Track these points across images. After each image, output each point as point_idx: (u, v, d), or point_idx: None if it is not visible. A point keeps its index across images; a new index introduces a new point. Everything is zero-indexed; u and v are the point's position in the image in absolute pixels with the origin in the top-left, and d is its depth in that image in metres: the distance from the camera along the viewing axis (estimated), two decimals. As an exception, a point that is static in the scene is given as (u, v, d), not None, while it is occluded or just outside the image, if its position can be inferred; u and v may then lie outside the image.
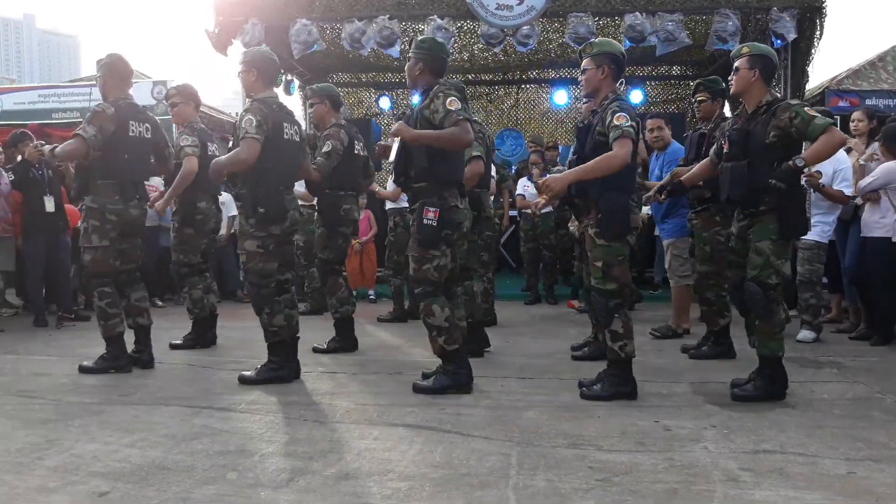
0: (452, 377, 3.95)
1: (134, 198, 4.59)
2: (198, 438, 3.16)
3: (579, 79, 4.04)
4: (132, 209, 4.57)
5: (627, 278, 3.90)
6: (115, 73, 4.60)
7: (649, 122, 5.75)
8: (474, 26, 8.82)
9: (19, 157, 6.64)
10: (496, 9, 7.86)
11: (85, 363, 4.56)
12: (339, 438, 3.17)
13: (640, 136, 3.96)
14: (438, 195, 3.88)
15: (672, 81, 11.87)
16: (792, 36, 7.46)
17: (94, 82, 4.96)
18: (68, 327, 6.41)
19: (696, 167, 4.46)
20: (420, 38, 4.14)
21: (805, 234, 3.81)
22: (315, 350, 5.16)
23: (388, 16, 7.88)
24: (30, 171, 6.52)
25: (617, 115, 3.68)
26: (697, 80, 5.25)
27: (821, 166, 4.94)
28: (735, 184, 3.84)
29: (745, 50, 3.90)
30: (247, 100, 4.27)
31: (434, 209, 3.84)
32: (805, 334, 5.40)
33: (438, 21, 7.84)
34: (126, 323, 4.64)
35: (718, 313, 4.92)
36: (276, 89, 4.45)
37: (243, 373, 4.26)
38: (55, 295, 6.93)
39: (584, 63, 3.93)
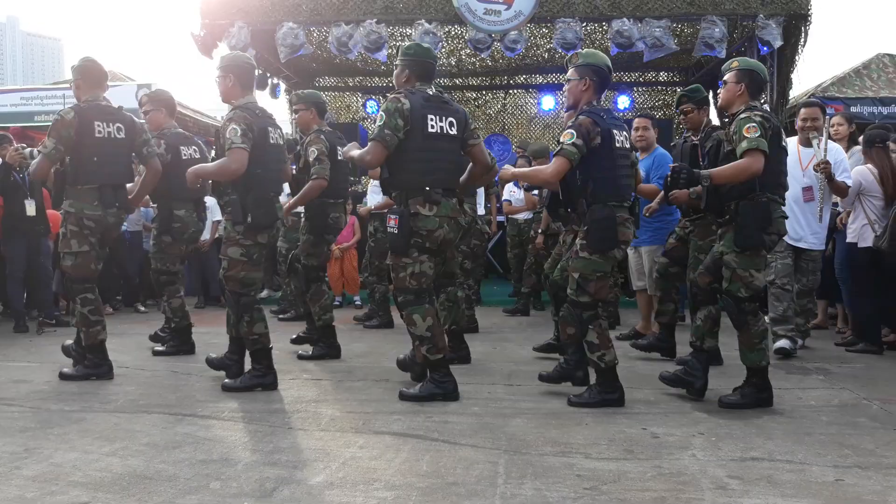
0: (439, 385, 3.92)
1: (113, 205, 4.49)
2: (180, 447, 3.11)
3: (563, 89, 4.06)
4: (110, 216, 4.49)
5: (603, 294, 3.87)
6: (87, 76, 4.53)
7: (636, 122, 5.79)
8: (462, 31, 8.82)
9: (0, 161, 6.55)
10: (484, 14, 7.86)
11: (65, 370, 4.50)
12: (324, 447, 3.13)
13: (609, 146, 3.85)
14: (403, 203, 3.89)
15: (659, 87, 11.93)
16: (778, 43, 7.52)
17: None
18: (49, 333, 6.32)
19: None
20: (406, 44, 4.11)
21: (757, 246, 3.75)
22: (300, 357, 5.12)
23: (375, 20, 7.87)
24: (10, 175, 6.42)
25: (566, 130, 3.75)
26: (680, 93, 5.25)
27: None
28: (705, 194, 3.88)
29: (734, 64, 3.92)
30: (228, 107, 4.21)
31: (394, 216, 3.86)
32: (784, 343, 5.16)
33: (426, 26, 7.83)
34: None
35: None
36: (260, 92, 4.41)
37: (226, 381, 4.22)
38: (36, 300, 6.84)
39: (569, 73, 3.93)
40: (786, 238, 4.75)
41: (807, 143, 5.13)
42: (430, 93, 3.94)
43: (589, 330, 3.79)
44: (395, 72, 4.05)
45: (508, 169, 4.13)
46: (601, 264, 3.78)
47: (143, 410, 3.73)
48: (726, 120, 4.07)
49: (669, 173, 3.95)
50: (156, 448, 3.09)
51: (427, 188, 3.86)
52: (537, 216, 7.51)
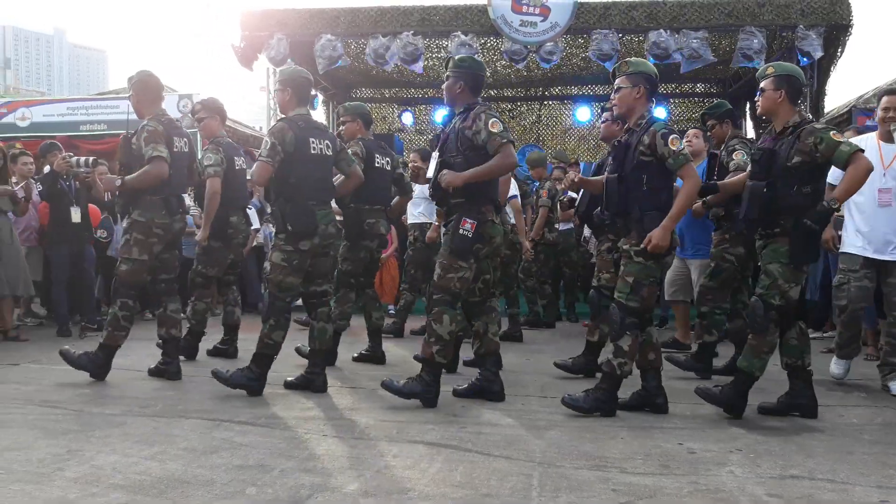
0: (425, 387, 3.98)
1: (178, 212, 4.71)
2: (217, 452, 3.15)
3: (612, 97, 4.06)
4: (176, 223, 4.70)
5: (652, 301, 3.90)
6: (146, 90, 4.70)
7: (689, 133, 5.81)
8: (498, 42, 8.85)
9: (47, 168, 6.73)
10: (520, 25, 7.89)
11: (66, 347, 4.71)
12: (358, 455, 3.15)
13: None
14: (477, 210, 3.97)
15: (696, 99, 11.82)
16: (819, 54, 7.43)
17: (121, 95, 5.05)
18: (91, 337, 6.44)
19: (737, 178, 4.38)
20: (458, 56, 4.23)
21: (814, 261, 3.78)
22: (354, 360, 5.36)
23: (412, 32, 7.95)
24: (57, 182, 6.60)
25: (671, 138, 3.73)
26: (703, 112, 5.38)
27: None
28: (751, 204, 3.83)
29: (769, 70, 3.87)
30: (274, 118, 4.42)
31: (472, 221, 3.94)
32: (839, 366, 4.88)
33: (462, 37, 7.89)
34: (158, 333, 4.76)
35: (707, 328, 4.94)
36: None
37: (218, 368, 4.35)
38: (79, 305, 7.00)
39: (619, 81, 3.94)
40: (857, 250, 4.56)
41: (888, 137, 4.60)
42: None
43: (625, 335, 3.78)
44: (446, 83, 4.14)
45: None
46: (655, 269, 3.81)
47: (181, 415, 3.79)
48: (769, 128, 3.98)
49: (750, 198, 3.85)
50: (193, 452, 3.14)
51: (497, 199, 4.14)
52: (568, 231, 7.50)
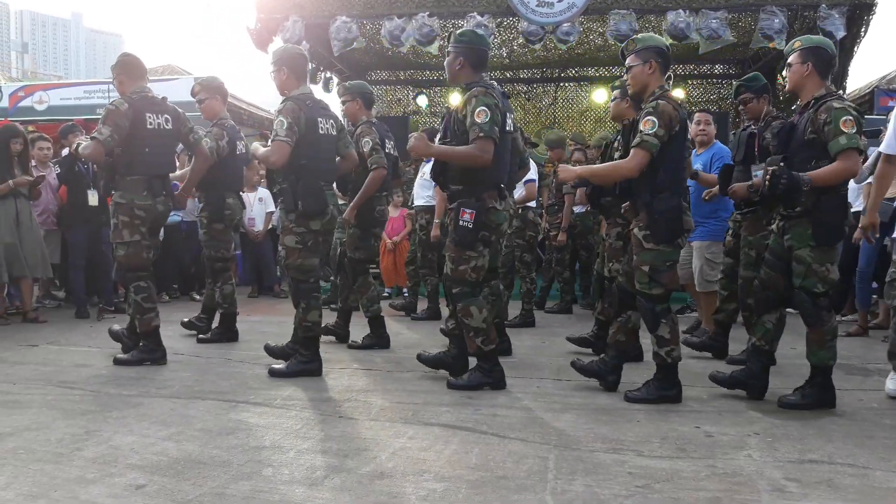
0: (487, 374, 3.96)
1: (161, 193, 4.60)
2: (234, 433, 3.16)
3: (625, 77, 3.92)
4: (159, 205, 4.59)
5: (675, 283, 3.84)
6: (127, 71, 4.61)
7: (698, 116, 5.64)
8: (514, 23, 8.76)
9: (65, 151, 6.76)
10: (537, 6, 7.79)
11: (120, 355, 4.64)
12: (373, 437, 3.15)
13: (683, 134, 3.80)
14: (476, 196, 3.85)
15: (714, 80, 11.65)
16: (841, 34, 7.26)
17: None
18: (109, 319, 6.50)
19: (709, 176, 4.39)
20: (459, 31, 4.06)
21: (840, 240, 3.62)
22: (350, 346, 5.21)
23: (427, 13, 7.86)
24: (75, 165, 6.63)
25: (644, 118, 3.61)
26: (737, 84, 5.04)
27: None
28: (790, 181, 3.56)
29: (797, 44, 3.72)
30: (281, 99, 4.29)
31: (470, 211, 3.82)
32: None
33: (478, 18, 7.80)
34: (127, 327, 4.73)
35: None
36: (313, 86, 4.47)
37: (273, 366, 4.34)
38: (96, 287, 7.06)
39: (629, 60, 3.81)
40: None
41: None
42: (498, 88, 3.99)
43: (661, 324, 3.71)
44: (447, 59, 3.99)
45: (571, 169, 4.00)
46: (670, 253, 3.72)
47: (197, 396, 3.81)
48: (797, 104, 3.81)
49: (765, 176, 3.63)
50: (210, 434, 3.15)
51: (501, 184, 3.95)
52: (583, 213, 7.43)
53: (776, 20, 7.51)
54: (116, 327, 5.07)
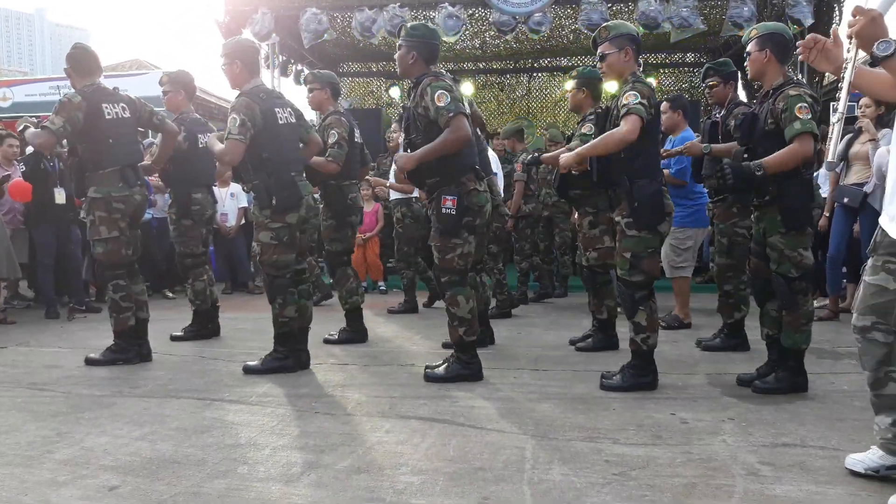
0: (466, 366, 3.95)
1: (136, 183, 4.50)
2: (208, 431, 3.13)
3: (598, 66, 3.92)
4: (136, 195, 4.49)
5: (656, 271, 3.82)
6: (77, 64, 4.46)
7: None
8: (486, 13, 8.74)
9: (29, 149, 6.62)
10: (508, -5, 7.77)
11: (91, 355, 4.54)
12: (350, 431, 3.14)
13: (656, 121, 3.83)
14: (455, 182, 3.82)
15: (686, 69, 11.74)
16: (809, 21, 7.34)
17: (105, 73, 4.88)
18: (79, 319, 6.41)
19: (728, 145, 4.26)
20: (411, 24, 4.00)
21: (808, 223, 3.63)
22: (326, 341, 5.14)
23: (398, 4, 7.83)
24: (41, 163, 6.50)
25: (626, 93, 3.60)
26: (706, 65, 5.01)
27: None
28: (735, 174, 3.63)
29: (753, 32, 3.72)
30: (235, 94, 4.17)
31: (451, 197, 3.79)
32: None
33: (450, 9, 7.78)
34: None
35: (735, 306, 4.74)
36: (285, 79, 4.41)
37: (248, 363, 4.29)
38: (66, 287, 6.93)
39: (603, 48, 3.81)
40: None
41: None
42: (447, 74, 3.97)
43: (639, 311, 3.72)
44: (398, 53, 3.94)
45: (569, 155, 3.92)
46: (651, 240, 3.72)
47: (171, 395, 3.77)
48: (759, 92, 3.83)
49: (718, 171, 3.69)
50: (184, 432, 3.12)
51: (476, 166, 3.94)
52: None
53: (745, 8, 7.59)
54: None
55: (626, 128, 3.56)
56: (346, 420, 3.31)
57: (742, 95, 6.36)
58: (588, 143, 3.88)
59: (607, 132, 3.72)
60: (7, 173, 6.33)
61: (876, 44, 2.16)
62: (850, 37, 2.26)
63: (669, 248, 5.53)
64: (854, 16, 2.22)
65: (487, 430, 3.12)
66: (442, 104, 3.67)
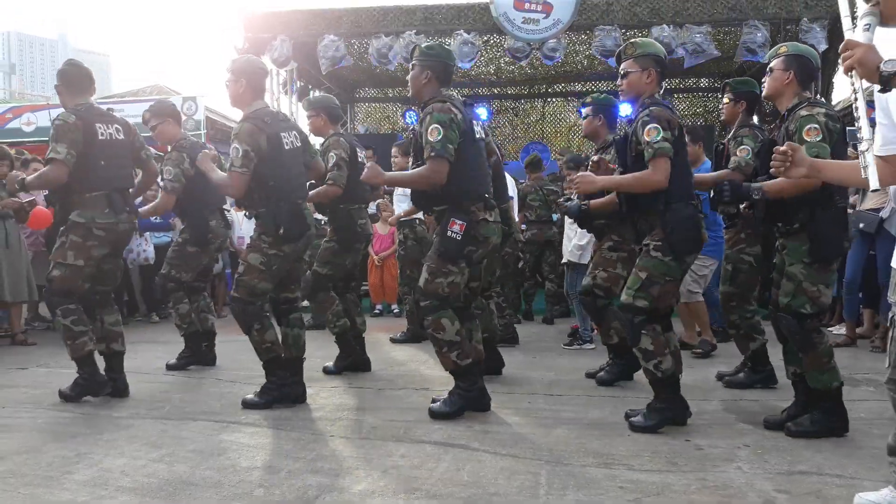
0: (466, 396, 3.74)
1: (123, 210, 4.20)
2: (225, 454, 3.16)
3: (619, 83, 3.71)
4: (122, 223, 4.20)
5: (664, 303, 3.57)
6: (67, 81, 4.21)
7: None
8: (501, 40, 8.84)
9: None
10: (522, 23, 7.88)
11: (63, 388, 4.18)
12: (365, 455, 3.15)
13: (683, 140, 3.63)
14: (465, 210, 3.69)
15: (700, 94, 11.78)
16: (823, 47, 7.37)
17: (125, 98, 4.97)
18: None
19: (719, 173, 4.11)
20: (425, 44, 3.92)
21: (837, 258, 3.42)
22: (326, 372, 4.92)
23: (414, 31, 7.94)
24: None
25: (647, 128, 3.41)
26: (725, 81, 4.78)
27: None
28: (764, 204, 3.47)
29: (782, 49, 3.54)
30: (239, 119, 4.01)
31: (461, 222, 3.65)
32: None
33: (465, 36, 7.88)
34: (98, 348, 4.27)
35: (747, 336, 4.46)
36: (301, 104, 4.37)
37: (246, 397, 4.05)
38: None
39: (626, 65, 3.62)
40: None
41: None
42: (458, 98, 3.88)
43: (642, 336, 3.48)
44: (411, 73, 3.85)
45: (594, 179, 3.71)
46: (673, 268, 3.48)
47: (188, 417, 3.80)
48: (770, 112, 3.78)
49: (716, 189, 3.60)
50: (201, 455, 3.15)
51: (487, 195, 3.80)
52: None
53: (759, 34, 7.64)
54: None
55: (658, 177, 3.39)
56: (361, 444, 3.33)
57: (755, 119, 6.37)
58: (615, 178, 3.70)
59: (638, 174, 3.49)
60: (32, 198, 6.43)
61: (882, 63, 2.08)
62: (848, 70, 2.18)
63: (689, 273, 5.37)
64: (846, 49, 2.15)
65: (502, 455, 3.12)
66: (432, 139, 3.57)
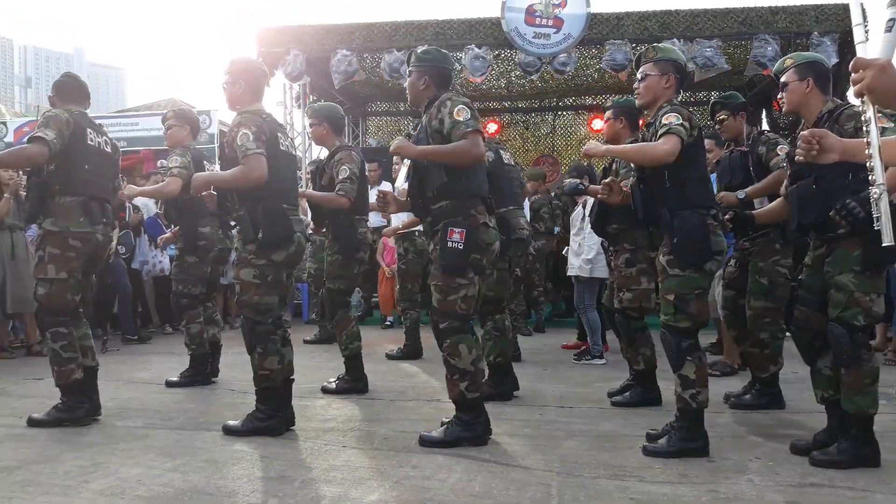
0: (468, 427, 3.45)
1: (101, 221, 3.98)
2: (239, 464, 3.19)
3: (635, 87, 3.58)
4: (98, 234, 3.97)
5: (705, 315, 3.40)
6: (64, 91, 4.09)
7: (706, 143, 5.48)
8: (512, 54, 8.92)
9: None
10: (533, 37, 7.95)
11: (35, 415, 3.93)
12: (377, 466, 3.18)
13: (701, 145, 3.47)
14: (464, 214, 3.40)
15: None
16: (833, 61, 7.41)
17: (140, 112, 5.04)
18: (112, 352, 6.54)
19: (774, 204, 3.71)
20: (422, 49, 3.74)
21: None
22: (324, 390, 4.75)
23: (427, 46, 8.00)
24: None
25: (666, 115, 3.27)
26: (713, 102, 4.73)
27: None
28: (805, 208, 3.18)
29: (788, 62, 3.36)
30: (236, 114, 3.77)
31: (460, 230, 3.34)
32: None
33: (476, 50, 7.96)
34: None
35: (771, 358, 4.23)
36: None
37: (228, 423, 3.74)
38: (100, 320, 7.08)
39: (645, 69, 3.50)
40: None
41: None
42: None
43: (687, 362, 3.26)
44: (409, 79, 3.68)
45: (598, 146, 3.56)
46: (698, 279, 3.29)
47: (202, 427, 3.84)
48: (804, 125, 3.36)
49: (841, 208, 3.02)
50: (215, 464, 3.18)
51: (486, 196, 3.55)
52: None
53: (769, 48, 7.68)
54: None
55: (667, 147, 3.18)
56: (373, 454, 3.36)
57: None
58: (622, 147, 3.54)
59: (645, 144, 3.35)
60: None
61: None
62: (859, 95, 1.89)
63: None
64: (856, 70, 1.85)
65: (513, 467, 3.14)
66: (461, 118, 3.34)
